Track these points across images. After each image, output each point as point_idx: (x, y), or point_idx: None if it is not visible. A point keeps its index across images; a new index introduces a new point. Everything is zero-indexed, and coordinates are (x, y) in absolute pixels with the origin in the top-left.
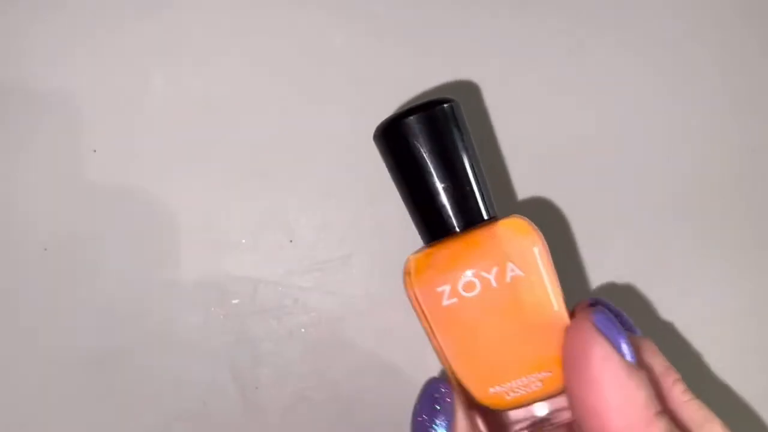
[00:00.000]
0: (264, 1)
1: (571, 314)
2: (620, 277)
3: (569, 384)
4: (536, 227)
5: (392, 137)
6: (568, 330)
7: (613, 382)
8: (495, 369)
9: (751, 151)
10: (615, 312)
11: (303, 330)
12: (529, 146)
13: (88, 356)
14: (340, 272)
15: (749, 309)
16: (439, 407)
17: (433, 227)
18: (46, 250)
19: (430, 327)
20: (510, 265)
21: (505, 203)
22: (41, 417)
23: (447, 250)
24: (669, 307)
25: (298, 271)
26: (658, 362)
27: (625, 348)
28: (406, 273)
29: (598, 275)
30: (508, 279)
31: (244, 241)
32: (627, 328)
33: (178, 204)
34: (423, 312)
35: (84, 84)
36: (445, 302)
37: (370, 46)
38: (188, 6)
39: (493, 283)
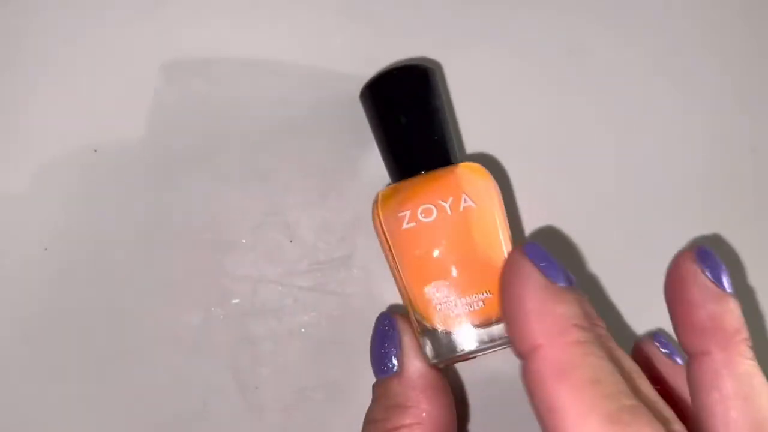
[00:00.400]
0: (264, 1)
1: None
2: (617, 276)
3: (501, 305)
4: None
5: (374, 93)
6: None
7: (532, 293)
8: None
9: (751, 151)
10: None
11: (303, 330)
12: (528, 145)
13: (87, 356)
14: (340, 272)
15: (749, 309)
16: (387, 337)
17: (402, 167)
18: (46, 250)
19: (391, 250)
20: (464, 197)
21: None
22: (41, 417)
23: (411, 183)
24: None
25: (298, 271)
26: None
27: (553, 272)
28: (374, 203)
29: (596, 274)
30: (461, 208)
31: (244, 241)
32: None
33: (178, 203)
34: (385, 236)
35: (84, 83)
36: (405, 226)
37: (371, 46)
38: (189, 6)
39: (448, 211)
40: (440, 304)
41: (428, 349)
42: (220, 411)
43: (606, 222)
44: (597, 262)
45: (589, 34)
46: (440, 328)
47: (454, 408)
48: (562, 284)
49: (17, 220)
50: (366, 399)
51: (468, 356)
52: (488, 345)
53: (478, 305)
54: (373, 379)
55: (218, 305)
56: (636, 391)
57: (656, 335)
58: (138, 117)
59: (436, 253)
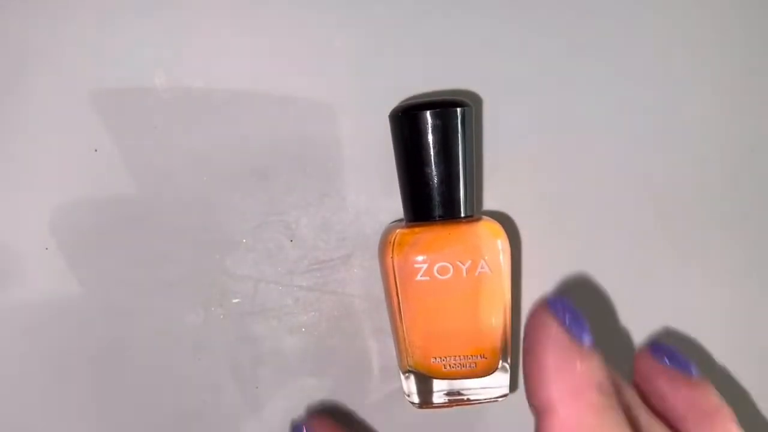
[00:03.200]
0: (264, 1)
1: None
2: (616, 276)
3: (524, 362)
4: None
5: (406, 122)
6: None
7: (552, 350)
8: (441, 343)
9: (750, 151)
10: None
11: (303, 330)
12: (528, 145)
13: (88, 356)
14: (340, 272)
15: (748, 309)
16: None
17: (421, 210)
18: (46, 249)
19: (398, 295)
20: (482, 262)
21: (498, 201)
22: (41, 416)
23: (431, 233)
24: (668, 306)
25: (298, 271)
26: None
27: (578, 329)
28: (389, 243)
29: (594, 275)
30: (477, 273)
31: (244, 241)
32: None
33: (179, 203)
34: (395, 280)
35: (85, 83)
36: (419, 277)
37: (371, 46)
38: (189, 6)
39: (464, 274)
40: (435, 358)
41: (412, 387)
42: (220, 410)
43: (604, 220)
44: (591, 258)
45: (590, 34)
46: (428, 376)
47: None
48: (586, 343)
49: (17, 220)
50: (365, 398)
51: (446, 406)
52: (468, 400)
53: (471, 366)
54: (372, 380)
55: (218, 305)
56: None
57: (655, 348)
58: (138, 117)
59: (441, 310)
